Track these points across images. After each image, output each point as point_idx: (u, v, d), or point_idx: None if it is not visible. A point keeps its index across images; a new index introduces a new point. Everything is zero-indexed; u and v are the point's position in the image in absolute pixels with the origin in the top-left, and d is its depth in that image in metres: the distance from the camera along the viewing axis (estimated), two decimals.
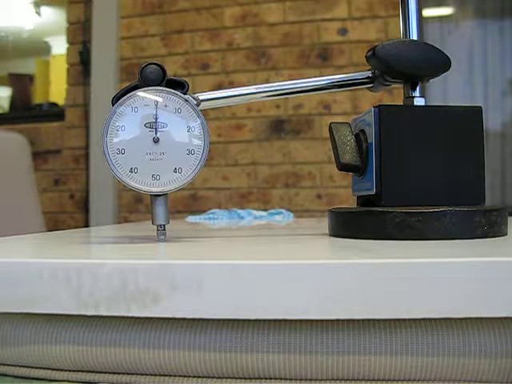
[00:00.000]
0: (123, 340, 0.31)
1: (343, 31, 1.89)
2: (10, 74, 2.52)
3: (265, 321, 0.30)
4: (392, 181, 0.43)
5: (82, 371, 0.32)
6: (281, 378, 0.31)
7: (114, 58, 2.06)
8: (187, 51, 2.02)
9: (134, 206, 2.05)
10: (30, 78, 2.51)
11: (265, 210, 1.15)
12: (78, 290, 0.29)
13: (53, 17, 2.49)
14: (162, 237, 0.43)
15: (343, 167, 0.46)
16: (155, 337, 0.31)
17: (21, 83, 2.48)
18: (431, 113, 0.44)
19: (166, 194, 0.42)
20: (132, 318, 0.31)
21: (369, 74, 0.47)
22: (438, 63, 0.45)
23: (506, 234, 0.42)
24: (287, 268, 0.28)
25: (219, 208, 1.20)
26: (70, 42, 2.16)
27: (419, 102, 0.45)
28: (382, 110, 0.43)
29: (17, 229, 0.90)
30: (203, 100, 0.44)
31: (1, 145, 1.29)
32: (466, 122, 0.44)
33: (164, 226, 0.43)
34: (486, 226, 0.40)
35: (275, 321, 0.30)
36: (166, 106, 0.41)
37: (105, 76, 2.06)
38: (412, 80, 0.45)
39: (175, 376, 0.31)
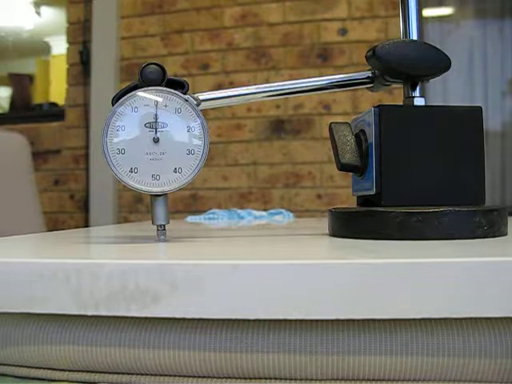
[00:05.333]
0: (123, 340, 0.31)
1: (343, 31, 1.89)
2: (10, 74, 2.53)
3: (265, 321, 0.30)
4: (392, 181, 0.43)
5: (82, 371, 0.32)
6: (281, 378, 0.31)
7: (114, 58, 2.06)
8: (187, 51, 2.02)
9: (134, 206, 2.05)
10: (30, 78, 2.51)
11: (265, 210, 1.15)
12: (78, 290, 0.29)
13: (53, 17, 2.49)
14: (162, 237, 0.43)
15: (343, 167, 0.46)
16: (155, 337, 0.31)
17: (21, 83, 2.48)
18: (431, 113, 0.44)
19: (165, 193, 0.42)
20: (132, 317, 0.31)
21: (369, 74, 0.47)
22: (438, 63, 0.45)
23: (506, 234, 0.42)
24: (287, 268, 0.28)
25: (219, 208, 1.20)
26: (70, 42, 2.16)
27: (419, 101, 0.45)
28: (381, 110, 0.43)
29: (17, 229, 0.90)
30: (203, 100, 0.44)
31: (1, 145, 1.29)
32: (466, 122, 0.44)
33: (164, 225, 0.43)
34: (486, 226, 0.40)
35: (275, 321, 0.30)
36: (165, 106, 0.41)
37: (105, 76, 2.06)
38: (412, 80, 0.45)
39: (175, 376, 0.31)
